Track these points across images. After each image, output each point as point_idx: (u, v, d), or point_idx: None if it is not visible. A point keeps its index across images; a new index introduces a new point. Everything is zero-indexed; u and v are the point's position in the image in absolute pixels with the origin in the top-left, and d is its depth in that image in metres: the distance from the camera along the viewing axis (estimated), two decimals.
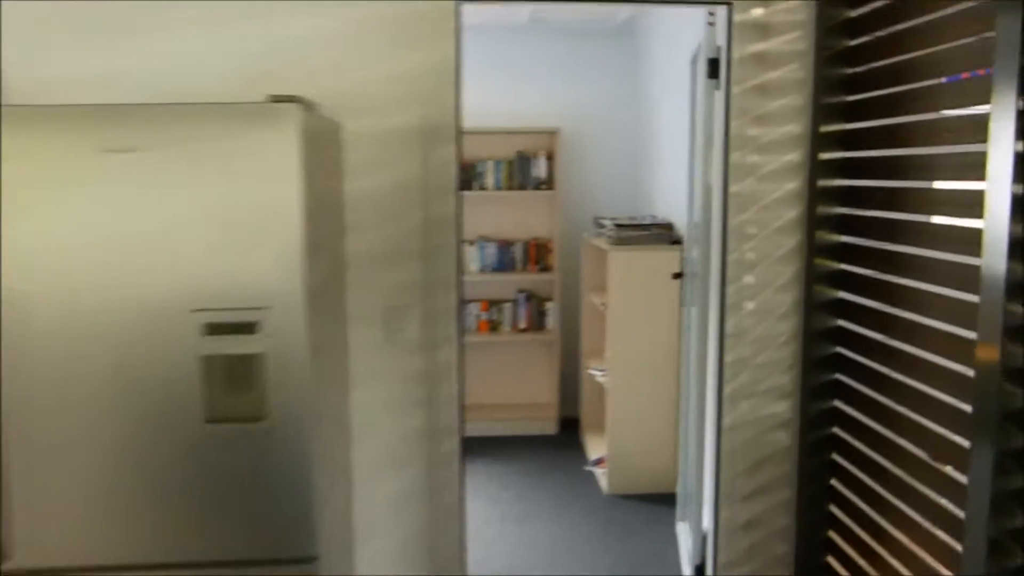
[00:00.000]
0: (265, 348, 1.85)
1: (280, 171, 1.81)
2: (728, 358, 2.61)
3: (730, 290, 2.59)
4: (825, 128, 2.46)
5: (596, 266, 5.00)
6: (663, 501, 4.15)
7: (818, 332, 2.52)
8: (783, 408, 2.64)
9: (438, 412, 2.60)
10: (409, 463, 2.62)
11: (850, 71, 2.38)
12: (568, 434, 5.26)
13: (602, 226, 4.48)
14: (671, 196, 4.39)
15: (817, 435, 2.55)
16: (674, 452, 4.21)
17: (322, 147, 2.10)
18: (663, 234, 4.13)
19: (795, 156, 2.55)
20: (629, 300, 4.07)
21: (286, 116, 1.79)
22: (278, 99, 1.80)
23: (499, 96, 5.38)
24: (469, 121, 5.36)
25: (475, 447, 5.01)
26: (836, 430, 2.49)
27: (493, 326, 5.40)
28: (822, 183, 2.48)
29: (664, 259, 4.06)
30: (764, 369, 2.62)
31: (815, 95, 2.47)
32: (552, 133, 5.24)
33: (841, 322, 2.47)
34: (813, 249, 2.51)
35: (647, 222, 4.28)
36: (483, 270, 5.34)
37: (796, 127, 2.53)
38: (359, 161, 2.49)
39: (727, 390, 2.63)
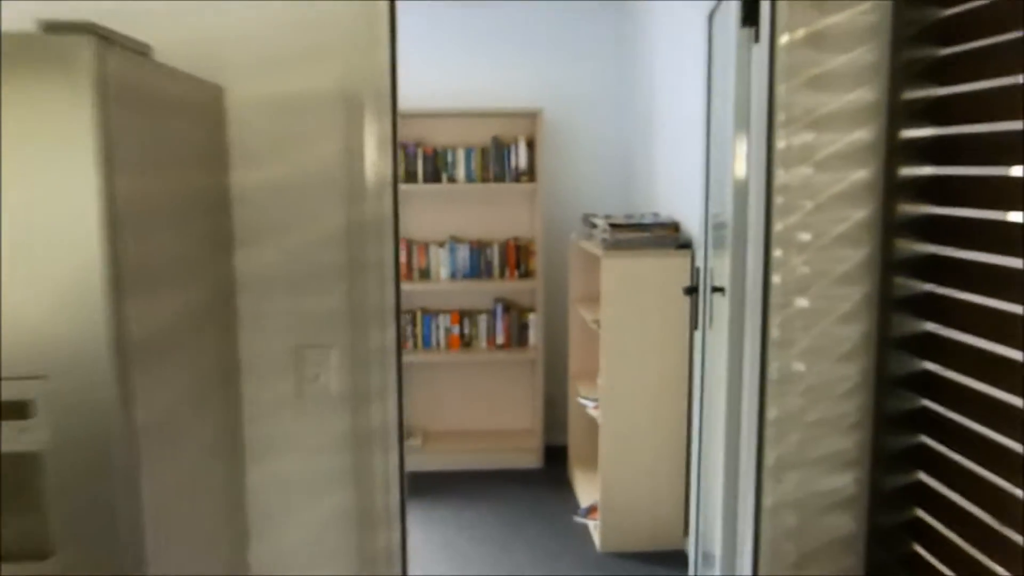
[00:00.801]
0: (45, 443, 1.14)
1: (64, 152, 1.09)
2: (771, 413, 1.92)
3: (774, 319, 1.89)
4: (910, 94, 1.77)
5: (586, 273, 4.29)
6: (668, 561, 3.46)
7: (897, 379, 1.83)
8: (845, 482, 1.95)
9: (372, 492, 1.89)
10: (331, 564, 1.91)
11: (948, 12, 1.68)
12: (554, 467, 4.56)
13: (593, 225, 3.78)
14: (678, 189, 3.69)
15: (893, 519, 1.87)
16: (681, 502, 3.52)
17: (178, 118, 1.38)
18: (668, 236, 3.43)
19: (866, 134, 1.85)
20: (626, 317, 3.37)
21: (73, 60, 1.08)
22: (55, 27, 1.09)
23: (470, 72, 4.66)
24: (436, 101, 4.64)
25: (442, 486, 4.30)
26: (919, 513, 1.81)
27: (466, 342, 4.70)
28: (904, 172, 1.79)
29: (669, 267, 3.36)
30: (820, 428, 1.93)
31: (894, 47, 1.78)
32: (533, 115, 4.52)
33: (929, 365, 1.78)
34: (890, 264, 1.82)
35: (648, 221, 3.58)
36: (454, 276, 4.63)
37: (868, 93, 1.83)
38: (252, 141, 1.78)
39: (769, 457, 1.93)
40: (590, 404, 3.72)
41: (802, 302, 1.89)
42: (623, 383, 3.42)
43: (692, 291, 2.99)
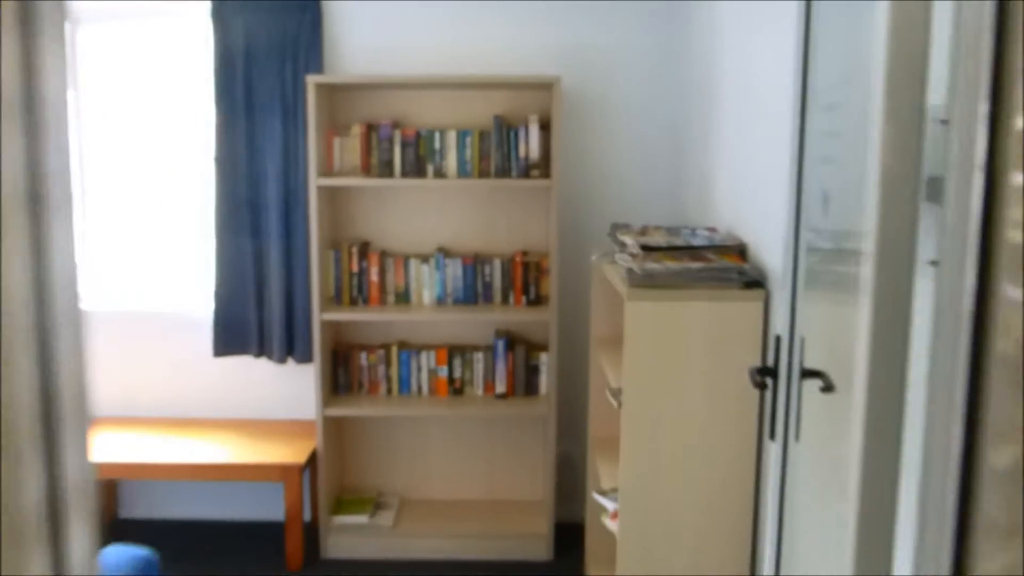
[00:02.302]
0: None
1: None
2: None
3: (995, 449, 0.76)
4: None
5: (613, 307, 3.17)
6: None
7: None
8: None
9: None
10: None
11: None
12: (567, 559, 3.46)
13: (621, 244, 2.66)
14: (747, 193, 2.54)
15: None
16: None
17: None
18: (728, 268, 2.28)
19: None
20: (660, 392, 2.25)
21: None
22: None
23: (466, 28, 3.56)
24: (418, 66, 3.55)
25: None
26: None
27: (457, 388, 3.61)
28: None
29: (730, 318, 2.22)
30: None
31: None
32: (548, 86, 3.39)
33: None
34: None
35: (699, 241, 2.45)
36: (442, 301, 3.55)
37: None
38: None
39: None
40: (609, 506, 2.59)
41: None
42: (652, 490, 2.29)
43: (766, 377, 1.82)
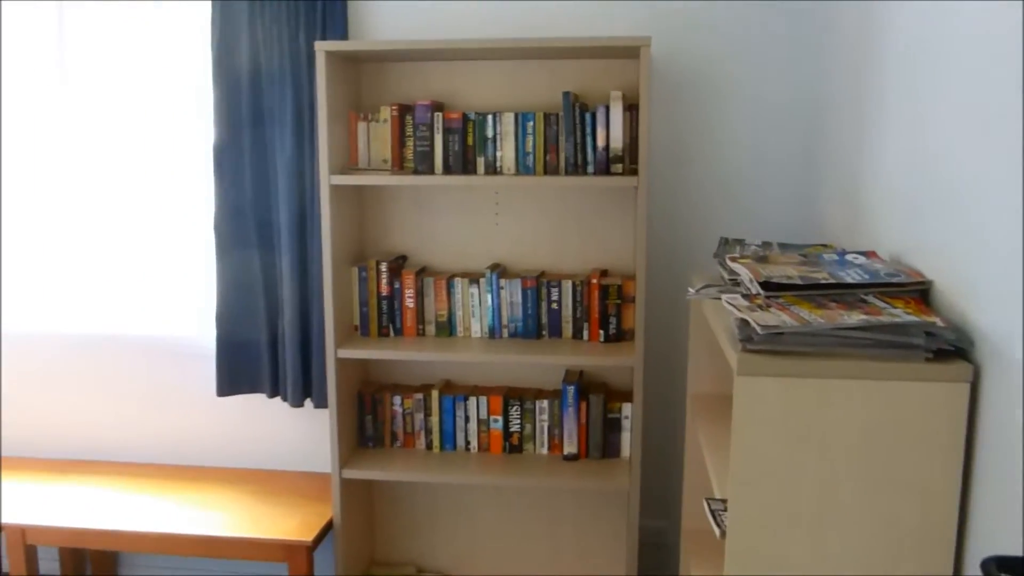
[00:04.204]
0: None
1: None
2: None
3: None
4: None
5: (717, 354, 2.34)
6: None
7: None
8: None
9: None
10: None
11: None
12: None
13: (733, 275, 1.83)
14: (931, 201, 1.65)
15: None
16: None
17: None
18: (908, 325, 1.40)
19: None
20: (784, 529, 1.42)
21: None
22: None
23: None
24: (467, 30, 2.80)
25: None
26: None
27: (514, 444, 2.84)
28: None
29: (914, 411, 1.37)
30: None
31: None
32: (634, 52, 2.57)
33: None
34: None
35: (853, 275, 1.60)
36: (495, 334, 2.78)
37: None
38: None
39: None
40: None
41: None
42: None
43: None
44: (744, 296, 1.61)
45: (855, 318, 1.42)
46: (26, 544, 2.76)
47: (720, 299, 1.77)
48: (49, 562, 3.30)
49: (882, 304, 1.49)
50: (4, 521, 2.73)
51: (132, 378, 3.17)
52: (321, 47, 2.52)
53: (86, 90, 3.09)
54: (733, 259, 1.84)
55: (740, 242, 2.16)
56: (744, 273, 1.69)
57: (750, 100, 2.73)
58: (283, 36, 2.73)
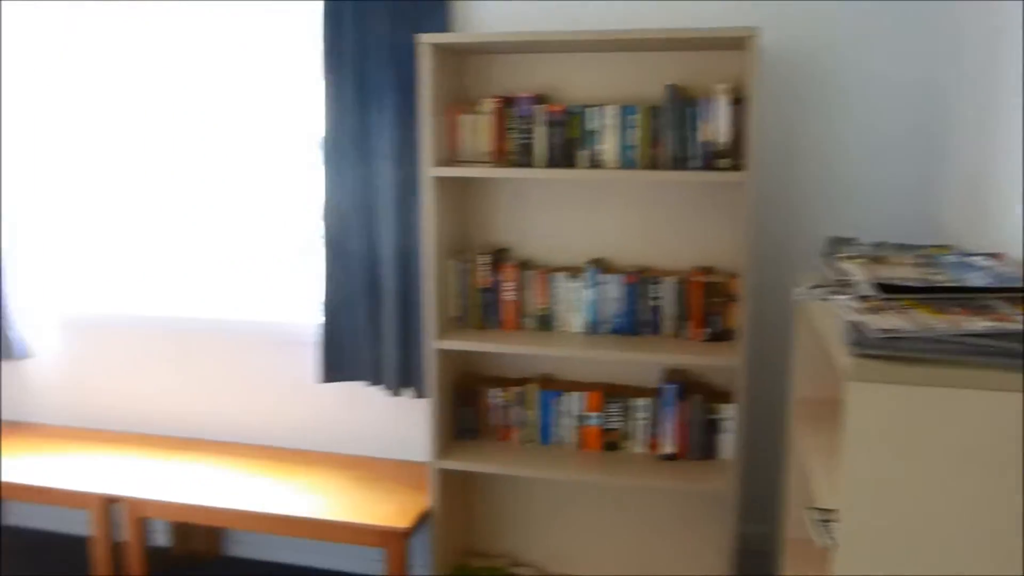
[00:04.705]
0: None
1: None
2: None
3: None
4: None
5: (824, 360, 2.25)
6: None
7: None
8: None
9: None
10: None
11: None
12: None
13: (844, 276, 1.76)
14: None
15: None
16: None
17: None
18: None
19: None
20: (901, 546, 1.36)
21: None
22: None
23: None
24: (568, 21, 2.78)
25: None
26: None
27: (610, 442, 2.82)
28: None
29: None
30: None
31: None
32: (741, 43, 2.49)
33: None
34: None
35: (979, 278, 1.52)
36: (595, 330, 2.76)
37: None
38: None
39: None
40: None
41: None
42: None
43: None
44: (858, 299, 1.54)
45: (981, 324, 1.34)
46: (139, 516, 2.90)
47: (829, 300, 1.70)
48: (160, 534, 3.46)
49: (1011, 310, 1.40)
50: (120, 494, 2.87)
51: (241, 362, 3.29)
52: (425, 40, 2.54)
53: (205, 85, 3.21)
54: (844, 259, 1.77)
55: (851, 241, 2.08)
56: (858, 274, 1.62)
57: (864, 90, 2.62)
58: (388, 30, 2.76)
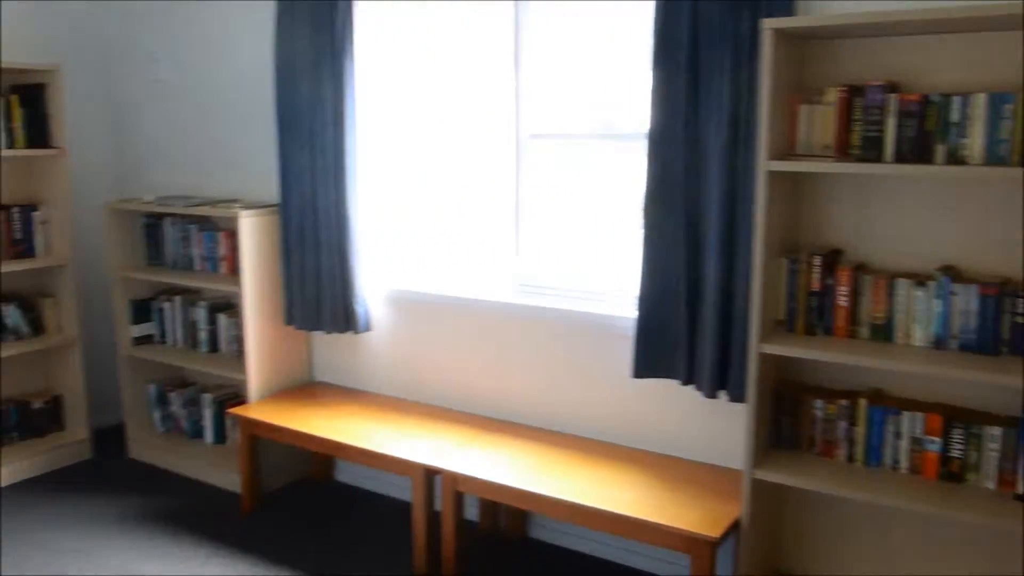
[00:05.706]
0: None
1: None
2: None
3: None
4: None
5: None
6: None
7: None
8: None
9: None
10: None
11: None
12: None
13: None
14: None
15: None
16: None
17: None
18: None
19: None
20: None
21: None
22: None
23: None
24: None
25: None
26: None
27: (951, 472, 2.52)
28: None
29: None
30: None
31: None
32: None
33: None
34: None
35: None
36: (942, 344, 2.48)
37: None
38: None
39: None
40: None
41: None
42: None
43: None
44: None
45: None
46: (455, 490, 3.06)
47: None
48: (469, 508, 3.64)
49: None
50: (441, 466, 3.05)
51: (558, 351, 3.36)
52: (769, 24, 2.41)
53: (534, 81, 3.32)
54: None
55: None
56: None
57: None
58: (725, 17, 2.67)
